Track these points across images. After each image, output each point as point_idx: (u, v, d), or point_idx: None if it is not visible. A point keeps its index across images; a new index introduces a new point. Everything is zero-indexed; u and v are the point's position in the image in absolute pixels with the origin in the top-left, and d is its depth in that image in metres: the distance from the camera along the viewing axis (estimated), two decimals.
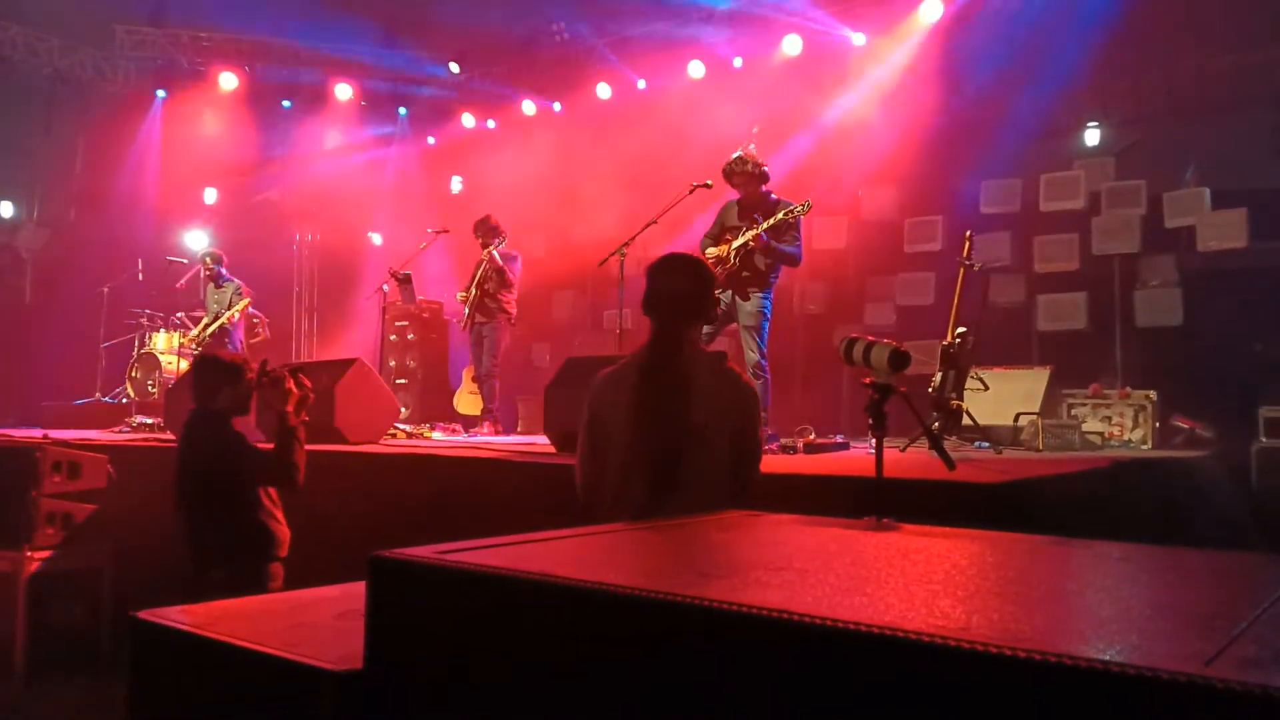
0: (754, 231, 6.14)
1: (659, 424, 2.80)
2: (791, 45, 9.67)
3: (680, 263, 3.07)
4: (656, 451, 2.78)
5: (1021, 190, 8.66)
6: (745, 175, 6.32)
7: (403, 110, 12.52)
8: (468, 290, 8.45)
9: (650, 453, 2.79)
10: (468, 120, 12.28)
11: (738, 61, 10.24)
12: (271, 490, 4.30)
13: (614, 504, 2.83)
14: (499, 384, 8.55)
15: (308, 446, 4.31)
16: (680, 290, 2.95)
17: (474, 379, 9.23)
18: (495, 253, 8.29)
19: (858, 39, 9.44)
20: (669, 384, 2.83)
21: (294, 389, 4.25)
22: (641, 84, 10.91)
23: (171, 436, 5.26)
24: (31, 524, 5.40)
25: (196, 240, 11.97)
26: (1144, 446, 6.73)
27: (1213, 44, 7.73)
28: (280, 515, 4.32)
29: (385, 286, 8.54)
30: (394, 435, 7.24)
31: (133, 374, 9.78)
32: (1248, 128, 8.02)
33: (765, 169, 6.35)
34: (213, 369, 4.41)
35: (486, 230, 8.45)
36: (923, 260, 9.00)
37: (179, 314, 10.12)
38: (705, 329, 6.24)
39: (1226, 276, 7.61)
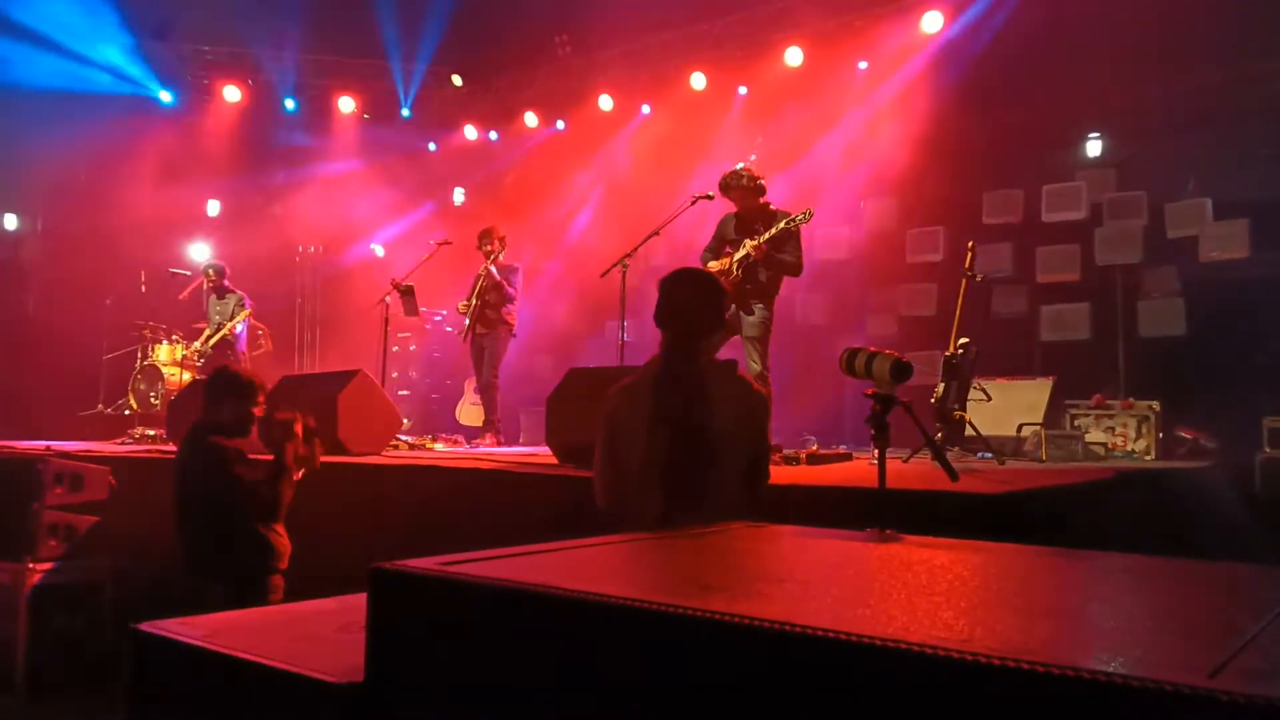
0: (755, 242, 6.15)
1: (676, 434, 2.85)
2: (793, 57, 9.70)
3: (693, 276, 3.14)
4: (674, 461, 2.83)
5: (1023, 201, 8.67)
6: (742, 189, 6.33)
7: (405, 121, 12.55)
8: (468, 301, 8.47)
9: (668, 462, 2.83)
10: (470, 132, 12.32)
11: (742, 90, 10.26)
12: None
13: (635, 514, 2.87)
14: (500, 395, 8.56)
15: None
16: (694, 303, 3.02)
17: (476, 390, 9.24)
18: (493, 267, 8.31)
19: (861, 65, 9.47)
20: (685, 395, 2.88)
21: (300, 433, 4.33)
22: (646, 109, 10.93)
23: (174, 448, 5.25)
24: (33, 536, 5.40)
25: (199, 252, 11.99)
26: (1147, 457, 6.71)
27: (1213, 55, 7.74)
28: (281, 528, 4.32)
29: (387, 298, 8.55)
30: (396, 446, 7.23)
31: (135, 386, 9.78)
32: (1249, 139, 8.03)
33: (761, 182, 6.36)
34: (224, 380, 4.46)
35: (489, 240, 8.49)
36: (925, 271, 9.00)
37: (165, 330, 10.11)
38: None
39: (1229, 287, 7.61)
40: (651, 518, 2.78)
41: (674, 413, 2.86)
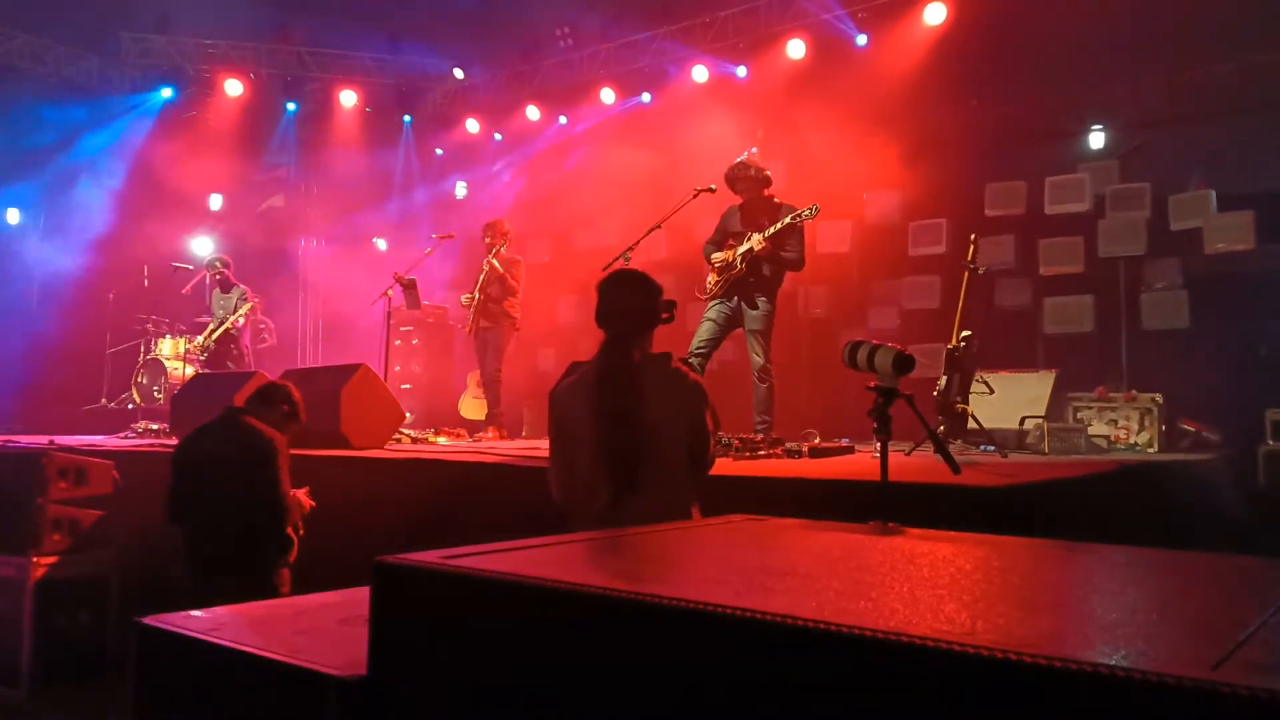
0: (760, 237, 6.14)
1: (617, 427, 3.02)
2: (795, 49, 9.68)
3: (628, 278, 3.32)
4: (617, 452, 3.00)
5: (1026, 193, 8.63)
6: (748, 180, 6.32)
7: (407, 116, 12.55)
8: (471, 295, 8.47)
9: (611, 454, 3.00)
10: (472, 126, 12.30)
11: (741, 71, 10.25)
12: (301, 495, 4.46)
13: (584, 505, 3.04)
14: (503, 388, 8.56)
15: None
16: (629, 303, 3.18)
17: (479, 383, 9.24)
18: (495, 261, 8.30)
19: (860, 39, 9.45)
20: (623, 390, 3.04)
21: (305, 507, 4.49)
22: (646, 97, 10.91)
23: (177, 442, 5.26)
24: (38, 530, 5.41)
25: (202, 246, 12.00)
26: (1150, 450, 6.71)
27: (1218, 46, 7.71)
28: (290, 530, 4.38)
29: (390, 292, 8.55)
30: (399, 440, 7.24)
31: (139, 380, 9.79)
32: (1254, 130, 7.99)
33: (768, 174, 6.35)
34: (285, 394, 4.59)
35: (496, 234, 8.49)
36: (927, 263, 8.98)
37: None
38: (710, 335, 6.28)
39: (1233, 279, 7.58)
40: (599, 508, 2.95)
41: (614, 408, 3.03)
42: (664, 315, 3.22)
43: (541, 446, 6.73)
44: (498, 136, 12.27)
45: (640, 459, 2.98)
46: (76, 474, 5.64)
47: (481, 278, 8.41)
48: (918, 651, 1.04)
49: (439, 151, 12.81)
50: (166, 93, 12.16)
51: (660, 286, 3.29)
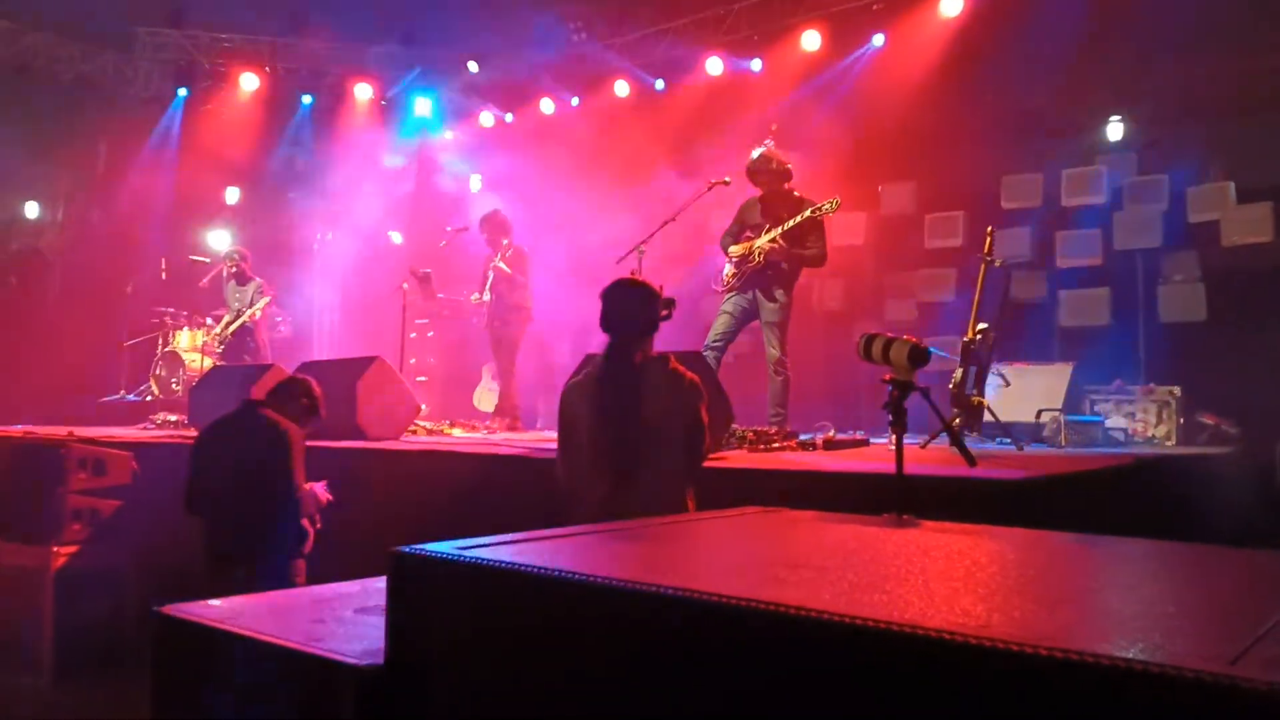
0: (773, 235, 6.12)
1: (616, 425, 3.24)
2: (810, 41, 9.64)
3: (629, 285, 3.52)
4: (615, 449, 3.21)
5: (1043, 185, 8.58)
6: (770, 173, 6.30)
7: (422, 109, 12.56)
8: (479, 294, 8.47)
9: (611, 449, 3.22)
10: (486, 119, 12.31)
11: (756, 64, 10.21)
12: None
13: (585, 495, 3.24)
14: (517, 381, 8.57)
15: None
16: (629, 309, 3.38)
17: (494, 376, 9.27)
18: (502, 263, 8.27)
19: (877, 40, 9.40)
20: (623, 390, 3.24)
21: (323, 501, 4.52)
22: (660, 84, 10.90)
23: (195, 433, 5.30)
24: (58, 520, 5.47)
25: (219, 239, 12.05)
26: (1168, 443, 6.67)
27: (1236, 38, 7.62)
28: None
29: (405, 284, 8.57)
30: (414, 432, 7.27)
31: (157, 372, 9.86)
32: (1273, 122, 7.91)
33: (789, 167, 6.33)
34: (305, 389, 4.65)
35: (493, 227, 8.44)
36: (943, 256, 8.93)
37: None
38: (727, 328, 6.28)
39: (1251, 271, 7.52)
40: (598, 498, 3.18)
41: (615, 407, 3.24)
42: (663, 313, 3.39)
43: (555, 439, 6.75)
44: (509, 117, 12.25)
45: (638, 454, 3.17)
46: (95, 465, 5.69)
47: (489, 280, 8.38)
48: (933, 644, 1.04)
49: (449, 135, 12.81)
50: (182, 91, 12.23)
51: (659, 292, 3.45)
